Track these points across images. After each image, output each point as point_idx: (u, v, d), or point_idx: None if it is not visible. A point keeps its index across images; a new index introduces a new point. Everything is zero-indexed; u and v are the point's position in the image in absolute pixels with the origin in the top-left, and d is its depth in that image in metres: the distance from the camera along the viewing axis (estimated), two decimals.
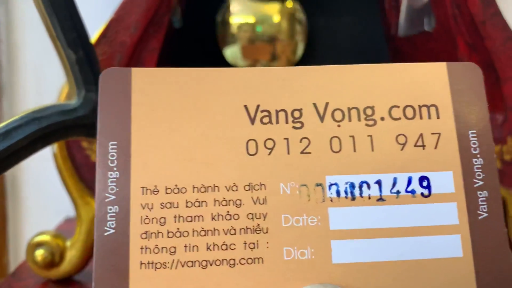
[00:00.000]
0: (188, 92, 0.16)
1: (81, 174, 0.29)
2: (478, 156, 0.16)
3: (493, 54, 0.31)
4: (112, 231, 0.15)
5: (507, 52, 0.31)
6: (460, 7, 0.32)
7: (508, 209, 0.32)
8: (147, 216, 0.15)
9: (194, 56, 0.40)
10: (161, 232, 0.15)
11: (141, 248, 0.15)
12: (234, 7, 0.37)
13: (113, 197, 0.15)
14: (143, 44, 0.30)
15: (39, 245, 0.28)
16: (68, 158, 0.29)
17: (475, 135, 0.16)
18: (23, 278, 0.29)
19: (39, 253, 0.27)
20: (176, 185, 0.15)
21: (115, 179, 0.15)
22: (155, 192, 0.15)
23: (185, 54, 0.40)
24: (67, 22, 0.24)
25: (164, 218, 0.15)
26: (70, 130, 0.24)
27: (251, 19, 0.36)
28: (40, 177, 0.49)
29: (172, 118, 0.16)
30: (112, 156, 0.16)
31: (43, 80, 0.48)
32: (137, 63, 0.30)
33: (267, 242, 0.15)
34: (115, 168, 0.15)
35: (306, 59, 0.40)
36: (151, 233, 0.15)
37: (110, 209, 0.15)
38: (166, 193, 0.15)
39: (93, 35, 0.29)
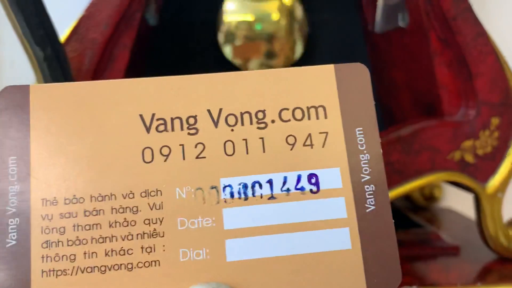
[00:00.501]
0: (85, 105, 0.17)
1: None
2: (365, 152, 0.17)
3: (464, 49, 0.31)
4: (14, 242, 0.16)
5: (477, 47, 0.31)
6: (432, 2, 0.32)
7: (482, 204, 0.32)
8: (47, 226, 0.16)
9: (173, 54, 0.41)
10: (61, 241, 0.16)
11: (42, 257, 0.16)
12: (232, 5, 0.37)
13: (14, 210, 0.16)
14: (114, 41, 0.30)
15: None
16: None
17: (361, 132, 0.17)
18: None
19: None
20: (74, 195, 0.16)
21: (15, 193, 0.16)
22: (55, 203, 0.16)
23: (163, 52, 0.40)
24: (33, 19, 0.24)
25: (64, 227, 0.16)
26: None
27: (249, 17, 0.36)
28: None
29: (70, 131, 0.17)
30: (13, 170, 0.16)
31: (20, 76, 0.45)
32: (109, 60, 0.30)
33: (164, 246, 0.16)
34: (15, 182, 0.16)
35: (306, 58, 0.41)
36: (52, 242, 0.16)
37: (11, 222, 0.16)
38: (65, 203, 0.16)
39: (64, 33, 0.29)
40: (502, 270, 0.32)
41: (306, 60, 0.41)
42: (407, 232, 0.37)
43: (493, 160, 0.32)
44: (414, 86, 0.36)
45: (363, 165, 0.17)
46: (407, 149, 0.31)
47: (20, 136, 0.16)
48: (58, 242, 0.16)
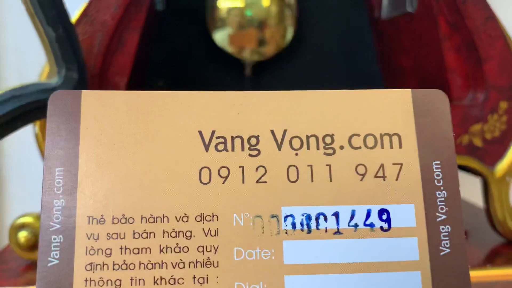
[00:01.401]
0: (140, 116, 0.15)
1: None
2: (442, 188, 0.16)
3: (473, 33, 0.31)
4: (56, 261, 0.14)
5: (487, 31, 0.31)
6: None
7: (490, 187, 0.32)
8: (92, 246, 0.15)
9: (180, 39, 0.41)
10: (106, 264, 0.14)
11: (85, 280, 0.14)
12: None
13: (58, 226, 0.15)
14: (124, 24, 0.30)
15: (22, 227, 0.27)
16: None
17: (439, 166, 0.16)
18: (6, 261, 0.28)
19: (22, 235, 0.27)
20: (123, 214, 0.15)
21: (60, 208, 0.15)
22: (102, 222, 0.15)
23: (170, 36, 0.40)
24: None
25: (110, 249, 0.15)
26: None
27: (240, 3, 0.36)
28: (24, 160, 0.49)
29: (122, 143, 0.15)
30: (59, 183, 0.15)
31: (25, 62, 0.47)
32: (118, 43, 0.30)
33: (218, 277, 0.15)
34: (61, 196, 0.15)
35: (295, 44, 0.40)
36: (96, 265, 0.14)
37: (55, 239, 0.15)
38: (113, 223, 0.15)
39: (74, 15, 0.29)
40: (510, 253, 0.32)
41: (296, 46, 0.41)
42: None
43: (501, 144, 0.32)
44: (422, 72, 0.36)
45: (439, 203, 0.15)
46: None
47: (69, 146, 0.15)
48: (104, 265, 0.14)
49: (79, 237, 0.15)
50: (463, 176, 0.48)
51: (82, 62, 0.26)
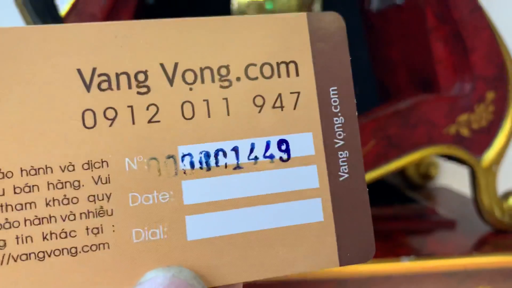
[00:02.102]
0: (11, 56, 0.13)
1: None
2: (339, 114, 0.15)
3: (460, 24, 0.31)
4: None
5: (473, 22, 0.31)
6: None
7: (478, 177, 0.32)
8: None
9: None
10: None
11: None
12: None
13: None
14: (113, 17, 0.30)
15: None
16: None
17: (336, 92, 0.15)
18: None
19: None
20: (0, 169, 0.13)
21: None
22: None
23: None
24: None
25: None
26: None
27: None
28: None
29: None
30: None
31: None
32: None
33: (113, 226, 0.14)
34: None
35: None
36: None
37: None
38: None
39: (63, 7, 0.28)
40: (496, 241, 0.32)
41: None
42: (404, 207, 0.38)
43: (488, 134, 0.32)
44: (411, 63, 0.36)
45: (336, 129, 0.15)
46: (404, 122, 0.31)
47: None
48: None
49: None
50: (451, 167, 0.49)
51: None
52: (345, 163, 0.15)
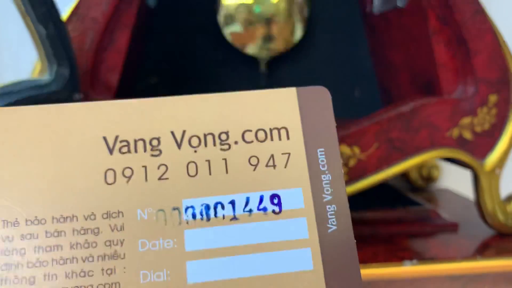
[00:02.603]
0: (48, 128, 0.16)
1: None
2: (327, 172, 0.17)
3: (462, 27, 0.31)
4: None
5: (476, 24, 0.31)
6: None
7: (480, 180, 0.32)
8: (7, 248, 0.16)
9: (173, 35, 0.41)
10: (21, 264, 0.16)
11: (1, 280, 0.15)
12: None
13: None
14: (115, 21, 0.30)
15: None
16: None
17: (323, 152, 0.17)
18: None
19: None
20: (36, 216, 0.16)
21: None
22: (16, 225, 0.16)
23: (163, 33, 0.41)
24: None
25: (24, 249, 0.16)
26: None
27: (248, 0, 0.36)
28: None
29: (32, 153, 0.16)
30: None
31: (20, 59, 0.47)
32: (110, 40, 0.30)
33: (124, 268, 0.16)
34: None
35: (307, 41, 0.41)
36: (11, 265, 0.16)
37: None
38: (26, 224, 0.16)
39: (65, 12, 0.28)
40: (500, 245, 0.32)
41: (306, 43, 0.41)
42: (406, 210, 0.38)
43: (491, 137, 0.32)
44: (413, 66, 0.36)
45: (324, 185, 0.17)
46: (407, 126, 0.31)
47: None
48: (18, 264, 0.16)
49: None
50: (454, 169, 0.49)
51: (73, 59, 0.26)
52: (333, 216, 0.17)
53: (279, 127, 0.17)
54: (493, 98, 0.31)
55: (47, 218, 0.16)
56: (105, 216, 0.16)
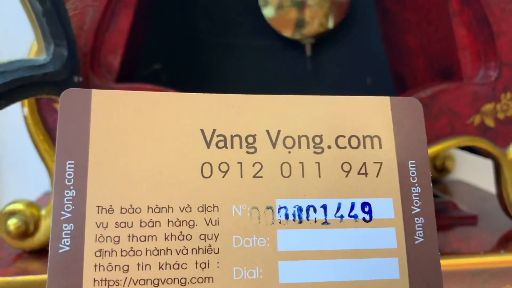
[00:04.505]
0: (146, 115, 0.16)
1: (54, 138, 0.27)
2: (416, 185, 0.17)
3: (486, 7, 0.29)
4: (67, 248, 0.15)
5: (500, 4, 0.29)
6: None
7: (503, 170, 0.30)
8: (101, 234, 0.15)
9: (175, 18, 0.39)
10: (115, 251, 0.15)
11: (95, 265, 0.15)
12: None
13: (69, 215, 0.15)
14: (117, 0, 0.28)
15: (12, 214, 0.26)
16: (40, 121, 0.27)
17: (414, 165, 0.17)
18: None
19: (12, 223, 0.26)
20: (131, 205, 0.16)
21: (71, 198, 0.16)
22: (110, 212, 0.16)
23: (168, 15, 0.39)
24: None
25: (118, 237, 0.15)
26: (38, 87, 0.22)
27: None
28: (18, 150, 0.47)
29: (130, 140, 0.16)
30: (69, 175, 0.16)
31: (16, 45, 0.43)
32: (111, 19, 0.28)
33: (218, 262, 0.16)
34: (71, 187, 0.16)
35: (344, 27, 0.39)
36: (105, 251, 0.15)
37: (66, 227, 0.15)
38: (121, 212, 0.16)
39: None
40: None
41: (343, 29, 0.39)
42: None
43: None
44: (430, 50, 0.34)
45: (414, 198, 0.17)
46: (426, 113, 0.29)
47: (79, 141, 0.16)
48: (112, 251, 0.15)
49: (89, 225, 0.15)
50: (472, 160, 0.47)
51: (72, 38, 0.24)
52: (421, 228, 0.17)
53: (372, 135, 0.17)
54: None
55: (142, 207, 0.16)
56: (200, 209, 0.16)
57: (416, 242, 0.17)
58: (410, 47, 0.36)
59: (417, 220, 0.17)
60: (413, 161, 0.17)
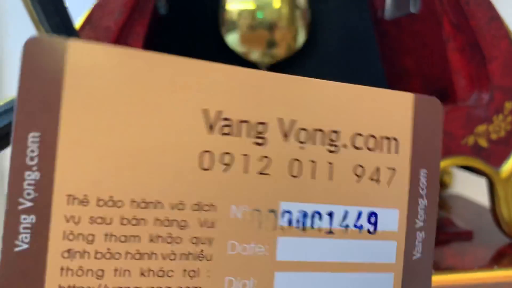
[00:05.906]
0: (138, 82, 0.13)
1: None
2: (424, 197, 0.16)
3: (477, 33, 0.31)
4: (25, 246, 0.12)
5: (491, 31, 0.31)
6: None
7: (496, 188, 0.32)
8: (71, 231, 0.12)
9: (183, 44, 0.40)
10: (87, 252, 0.12)
11: (62, 269, 0.12)
12: None
13: (30, 203, 0.12)
14: (128, 30, 0.29)
15: None
16: None
17: (425, 174, 0.16)
18: None
19: None
20: (111, 196, 0.13)
21: (33, 181, 0.12)
22: (84, 203, 0.12)
23: (174, 42, 0.40)
24: (49, 6, 0.23)
25: (93, 235, 0.12)
26: None
27: (251, 5, 0.36)
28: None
29: (115, 112, 0.12)
30: (32, 151, 0.12)
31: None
32: None
33: (209, 271, 0.13)
34: (34, 168, 0.12)
35: (309, 47, 0.40)
36: (75, 252, 0.12)
37: (25, 219, 0.12)
38: (98, 205, 0.12)
39: (78, 21, 0.27)
40: None
41: (308, 49, 0.40)
42: None
43: (506, 145, 0.31)
44: (426, 73, 0.36)
45: (419, 210, 0.16)
46: None
47: (47, 108, 0.12)
48: (84, 252, 0.12)
49: (56, 218, 0.12)
50: (466, 175, 0.48)
51: None
52: (420, 243, 0.16)
53: (390, 136, 0.15)
54: (509, 105, 0.31)
55: (125, 200, 0.13)
56: (195, 207, 0.13)
57: (414, 257, 0.16)
58: (407, 69, 0.38)
59: (419, 235, 0.16)
60: (425, 170, 0.16)
